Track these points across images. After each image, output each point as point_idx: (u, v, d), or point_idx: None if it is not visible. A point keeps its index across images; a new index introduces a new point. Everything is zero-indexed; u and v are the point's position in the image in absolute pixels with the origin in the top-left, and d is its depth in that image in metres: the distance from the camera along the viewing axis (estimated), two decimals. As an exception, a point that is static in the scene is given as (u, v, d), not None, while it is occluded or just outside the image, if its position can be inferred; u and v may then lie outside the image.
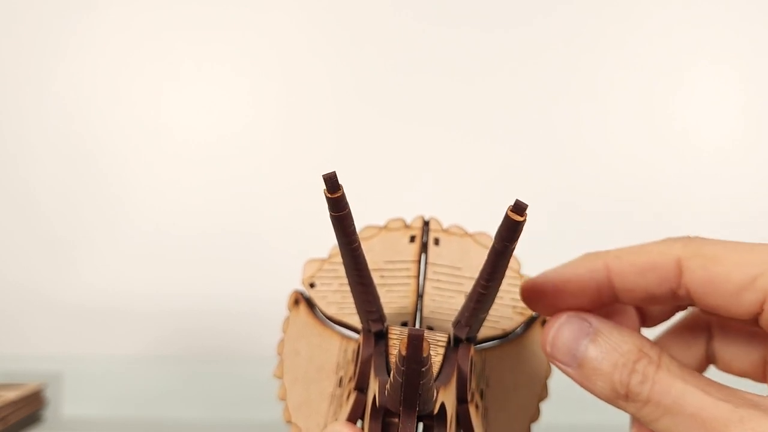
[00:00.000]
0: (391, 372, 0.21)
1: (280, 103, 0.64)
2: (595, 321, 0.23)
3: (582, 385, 0.23)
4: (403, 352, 0.19)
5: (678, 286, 0.23)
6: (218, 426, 0.44)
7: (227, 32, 0.63)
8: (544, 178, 0.62)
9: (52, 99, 0.64)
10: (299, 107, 0.63)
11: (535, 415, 0.31)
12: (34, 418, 0.44)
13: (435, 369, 0.25)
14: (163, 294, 0.62)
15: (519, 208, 0.20)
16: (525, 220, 0.20)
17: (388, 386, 0.21)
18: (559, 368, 0.24)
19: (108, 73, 0.64)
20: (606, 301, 0.24)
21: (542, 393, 0.31)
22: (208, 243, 0.63)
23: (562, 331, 0.23)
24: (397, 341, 0.26)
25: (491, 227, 0.32)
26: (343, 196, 0.21)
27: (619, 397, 0.22)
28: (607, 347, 0.22)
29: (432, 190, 0.62)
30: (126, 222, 0.63)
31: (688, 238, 0.23)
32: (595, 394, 0.23)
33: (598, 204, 0.62)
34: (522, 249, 0.32)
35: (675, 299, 0.24)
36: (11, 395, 0.41)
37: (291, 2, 0.63)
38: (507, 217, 0.20)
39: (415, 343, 0.19)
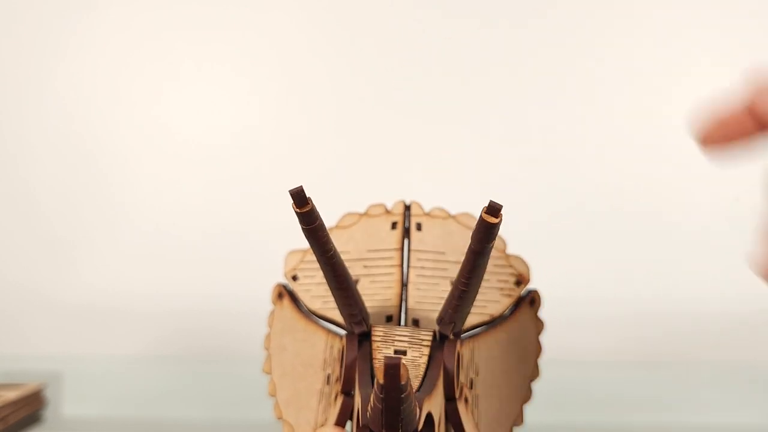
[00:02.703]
0: (371, 396, 0.21)
1: (280, 104, 0.64)
2: None
3: None
4: (381, 381, 0.19)
5: None
6: (218, 426, 0.44)
7: (227, 32, 0.63)
8: (542, 177, 0.62)
9: (52, 99, 0.64)
10: (299, 107, 0.63)
11: (528, 395, 0.30)
12: (34, 418, 0.44)
13: (420, 371, 0.25)
14: (163, 294, 0.62)
15: (493, 209, 0.20)
16: (500, 222, 0.20)
17: (369, 408, 0.21)
18: None
19: (108, 73, 0.64)
20: None
21: (533, 373, 0.31)
22: (208, 243, 0.63)
23: None
24: (381, 343, 0.26)
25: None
26: (312, 209, 0.21)
27: None
28: None
29: (434, 187, 0.62)
30: (126, 222, 0.63)
31: None
32: None
33: (595, 202, 0.61)
34: (515, 246, 0.32)
35: None
36: (11, 395, 0.41)
37: (291, 2, 0.63)
38: (482, 220, 0.20)
39: (392, 372, 0.19)
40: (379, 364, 0.22)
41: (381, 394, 0.20)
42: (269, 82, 0.63)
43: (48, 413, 0.45)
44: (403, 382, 0.19)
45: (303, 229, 0.22)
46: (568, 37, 0.62)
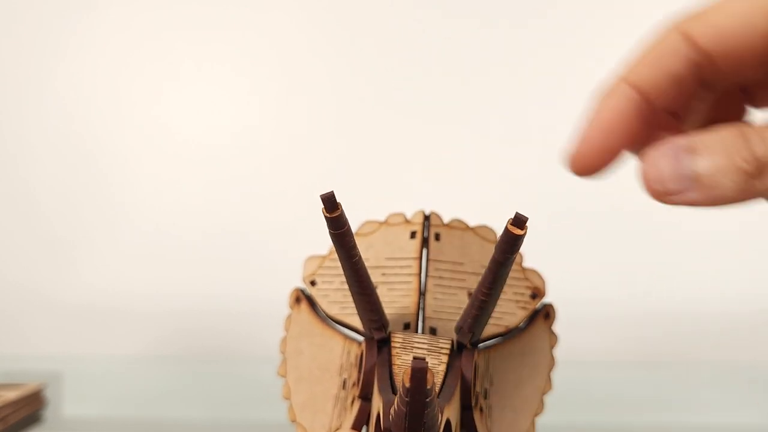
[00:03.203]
0: (395, 399, 0.21)
1: (280, 104, 0.64)
2: (681, 138, 0.20)
3: (709, 200, 0.20)
4: (407, 384, 0.19)
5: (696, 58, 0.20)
6: (218, 426, 0.44)
7: (227, 32, 0.63)
8: (543, 177, 0.62)
9: (53, 99, 0.64)
10: (299, 107, 0.63)
11: (540, 408, 0.31)
12: (34, 418, 0.44)
13: (439, 379, 0.25)
14: (163, 294, 0.62)
15: (519, 221, 0.20)
16: (525, 234, 0.20)
17: (392, 412, 0.21)
18: (681, 202, 0.21)
19: (108, 73, 0.64)
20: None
21: (546, 386, 0.31)
22: (208, 243, 0.63)
23: (659, 164, 0.21)
24: (401, 350, 0.26)
25: (493, 220, 0.32)
26: (342, 214, 0.22)
27: (754, 178, 0.19)
28: (711, 145, 0.19)
29: (434, 187, 0.62)
30: (126, 222, 0.63)
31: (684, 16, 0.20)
32: (728, 198, 0.20)
33: (595, 202, 0.62)
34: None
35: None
36: (11, 395, 0.41)
37: (291, 2, 0.63)
38: (507, 231, 0.21)
39: (419, 375, 0.19)
40: (402, 369, 0.22)
41: (406, 397, 0.20)
42: (269, 82, 0.63)
43: (48, 413, 0.45)
44: (429, 387, 0.19)
45: (331, 234, 0.22)
46: (569, 37, 0.62)
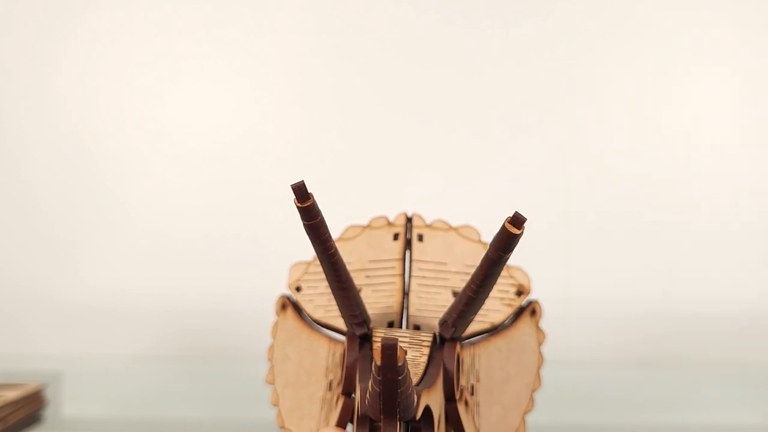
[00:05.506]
0: (369, 381, 0.20)
1: (281, 106, 0.64)
2: None
3: None
4: (378, 362, 0.19)
5: None
6: (218, 426, 0.44)
7: (228, 34, 0.63)
8: (543, 177, 0.62)
9: (54, 99, 0.64)
10: (300, 109, 0.63)
11: (529, 405, 0.31)
12: (34, 418, 0.44)
13: (420, 370, 0.25)
14: (163, 294, 0.62)
15: (517, 221, 0.20)
16: (521, 234, 0.20)
17: (367, 396, 0.21)
18: None
19: (109, 74, 0.64)
20: None
21: (535, 383, 0.31)
22: (208, 243, 0.63)
23: None
24: None
25: (495, 219, 0.32)
26: (313, 204, 0.22)
27: None
28: None
29: (433, 188, 0.62)
30: (126, 222, 0.63)
31: None
32: None
33: (595, 203, 0.61)
34: (521, 246, 0.32)
35: None
36: (11, 395, 0.41)
37: (291, 4, 0.63)
38: (504, 229, 0.20)
39: (389, 352, 0.19)
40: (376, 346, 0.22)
41: (378, 375, 0.19)
42: (270, 83, 0.63)
43: (48, 413, 0.45)
44: (400, 363, 0.19)
45: (304, 225, 0.22)
46: (575, 38, 0.62)
